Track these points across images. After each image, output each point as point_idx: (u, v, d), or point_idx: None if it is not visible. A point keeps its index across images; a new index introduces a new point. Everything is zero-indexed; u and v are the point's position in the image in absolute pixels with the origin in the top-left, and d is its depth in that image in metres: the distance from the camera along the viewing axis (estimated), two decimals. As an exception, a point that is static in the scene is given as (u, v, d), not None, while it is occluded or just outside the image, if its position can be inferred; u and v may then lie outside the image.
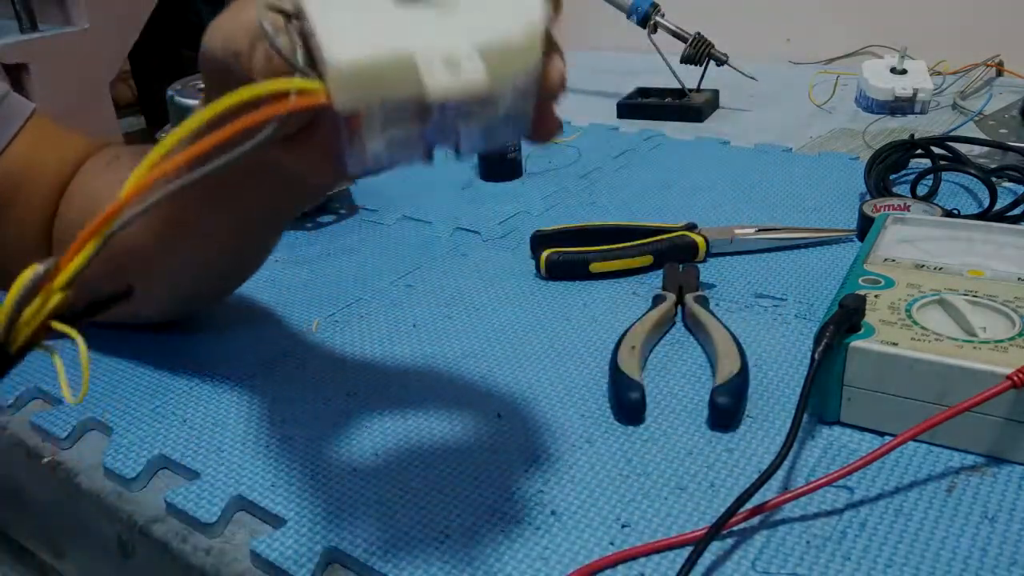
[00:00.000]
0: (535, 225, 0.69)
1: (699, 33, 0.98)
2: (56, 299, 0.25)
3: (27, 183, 0.51)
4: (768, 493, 0.39)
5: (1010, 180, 0.72)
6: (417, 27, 0.26)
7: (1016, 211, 0.64)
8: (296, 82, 0.26)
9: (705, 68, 0.99)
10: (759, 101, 1.05)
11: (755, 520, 0.38)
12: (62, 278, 0.25)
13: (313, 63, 0.27)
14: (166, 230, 0.45)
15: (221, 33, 0.32)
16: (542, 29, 0.27)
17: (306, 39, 0.27)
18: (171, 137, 0.26)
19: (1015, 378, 0.37)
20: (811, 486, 0.38)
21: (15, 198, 0.51)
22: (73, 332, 0.26)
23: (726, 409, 0.44)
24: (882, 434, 0.43)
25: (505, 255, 0.67)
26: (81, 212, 0.50)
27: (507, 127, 0.29)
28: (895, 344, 0.41)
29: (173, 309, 0.56)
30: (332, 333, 0.57)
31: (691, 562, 0.35)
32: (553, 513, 0.39)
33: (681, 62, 0.99)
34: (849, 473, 0.38)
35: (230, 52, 0.31)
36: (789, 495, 0.38)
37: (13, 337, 0.25)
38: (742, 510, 0.37)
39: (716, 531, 0.35)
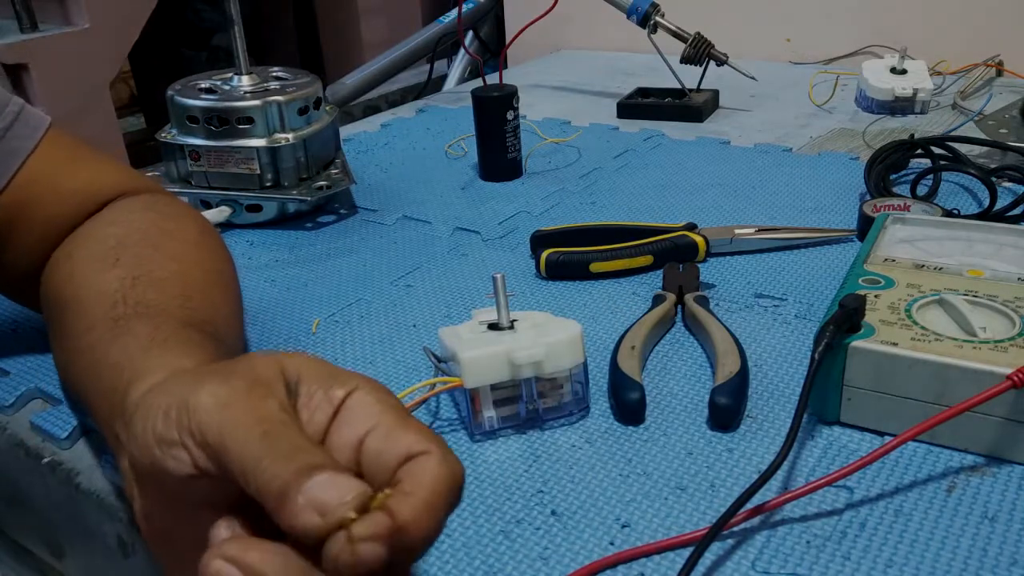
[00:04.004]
0: (535, 225, 0.69)
1: (699, 33, 0.98)
2: None
3: (38, 205, 0.49)
4: (768, 493, 0.39)
5: (1010, 180, 0.72)
6: (507, 341, 0.43)
7: (1016, 211, 0.64)
8: (449, 378, 0.45)
9: (705, 68, 0.99)
10: (759, 101, 1.05)
11: (755, 520, 0.38)
12: None
13: (446, 370, 0.47)
14: None
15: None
16: (581, 337, 0.44)
17: (440, 361, 0.48)
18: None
19: (1015, 378, 0.37)
20: (811, 486, 0.38)
21: (20, 219, 0.49)
22: None
23: (726, 409, 0.44)
24: (882, 434, 0.43)
25: (505, 255, 0.67)
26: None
27: (569, 402, 0.45)
28: (895, 344, 0.41)
29: None
30: (332, 333, 0.57)
31: (691, 563, 0.35)
32: (553, 513, 0.39)
33: (681, 62, 0.99)
34: (849, 473, 0.38)
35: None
36: (789, 495, 0.38)
37: None
38: (742, 510, 0.37)
39: (716, 532, 0.35)
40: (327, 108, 0.78)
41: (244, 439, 0.28)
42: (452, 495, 0.28)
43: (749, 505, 0.37)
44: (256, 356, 0.32)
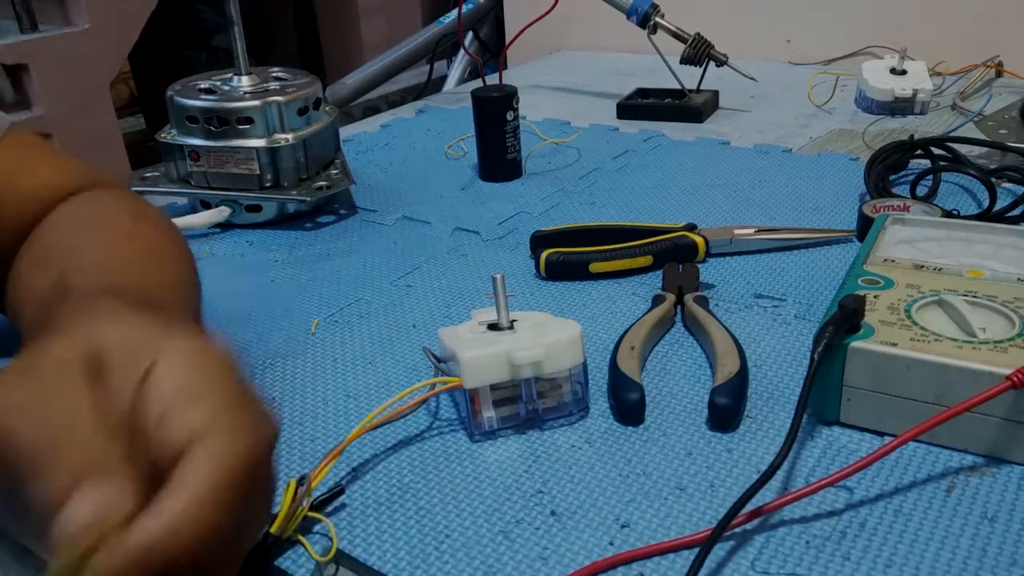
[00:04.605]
0: (535, 225, 0.69)
1: (699, 34, 0.98)
2: (308, 501, 0.38)
3: (1, 208, 0.49)
4: (768, 494, 0.39)
5: (1009, 181, 0.72)
6: (507, 342, 0.43)
7: (1015, 212, 0.64)
8: (449, 378, 0.44)
9: (705, 68, 0.99)
10: (759, 101, 1.05)
11: (755, 520, 0.38)
12: (312, 486, 0.39)
13: (446, 370, 0.47)
14: None
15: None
16: (581, 337, 0.44)
17: (440, 361, 0.48)
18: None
19: (1015, 378, 0.37)
20: (812, 487, 0.38)
21: None
22: (322, 517, 0.39)
23: (726, 409, 0.44)
24: (882, 434, 0.43)
25: (505, 255, 0.67)
26: (45, 275, 0.45)
27: (569, 403, 0.45)
28: (895, 344, 0.41)
29: None
30: (332, 333, 0.57)
31: (698, 564, 0.34)
32: (553, 513, 0.39)
33: (681, 63, 0.99)
34: (850, 474, 0.37)
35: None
36: (790, 496, 0.38)
37: (285, 529, 0.37)
38: (743, 512, 0.36)
39: (720, 533, 0.35)
40: (327, 108, 0.78)
41: (23, 451, 0.26)
42: (226, 495, 0.26)
43: (750, 506, 0.37)
44: (57, 341, 0.30)
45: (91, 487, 0.25)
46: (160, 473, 0.27)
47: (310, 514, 0.39)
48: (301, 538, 0.38)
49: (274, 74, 0.77)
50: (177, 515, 0.25)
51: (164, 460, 0.27)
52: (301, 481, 0.38)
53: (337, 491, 0.41)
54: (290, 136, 0.72)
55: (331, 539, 0.38)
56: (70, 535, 0.25)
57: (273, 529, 0.37)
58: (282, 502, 0.38)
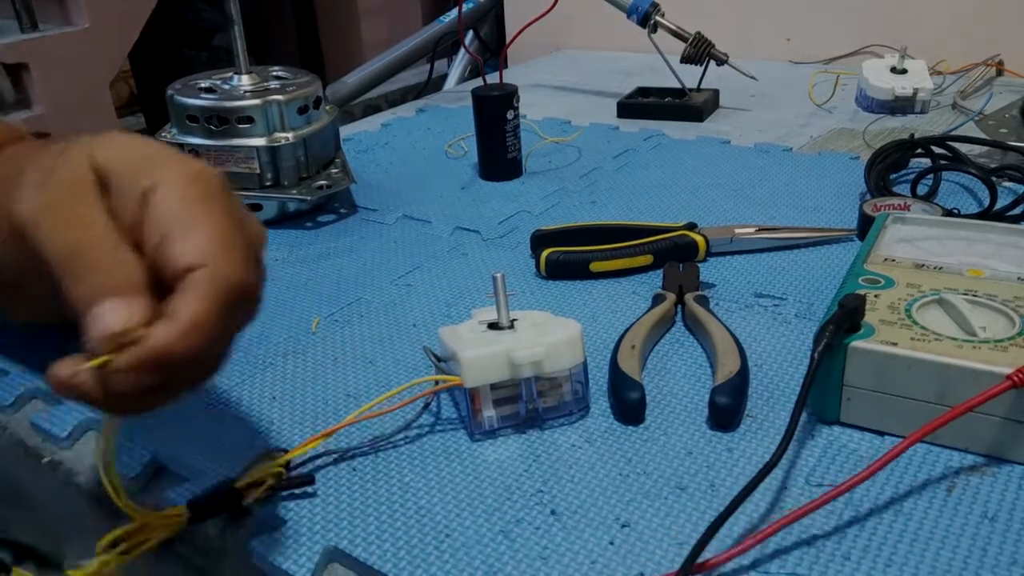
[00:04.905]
0: (535, 224, 0.69)
1: (699, 33, 0.98)
2: (277, 471, 0.40)
3: None
4: (769, 495, 0.39)
5: (1010, 180, 0.72)
6: (507, 341, 0.43)
7: (1016, 211, 0.64)
8: (449, 377, 0.45)
9: (705, 68, 0.99)
10: (759, 101, 1.05)
11: (755, 519, 0.38)
12: (286, 459, 0.41)
13: (446, 370, 0.46)
14: None
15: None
16: (581, 336, 0.44)
17: (440, 360, 0.48)
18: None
19: (1015, 378, 0.37)
20: (821, 500, 0.36)
21: None
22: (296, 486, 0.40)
23: (726, 409, 0.44)
24: (882, 434, 0.43)
25: (505, 254, 0.67)
26: None
27: (569, 402, 0.45)
28: (895, 344, 0.41)
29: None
30: (332, 332, 0.57)
31: (698, 549, 0.34)
32: (553, 513, 0.39)
33: (681, 62, 0.99)
34: (859, 483, 0.36)
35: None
36: (803, 509, 0.36)
37: (247, 493, 0.39)
38: (760, 531, 0.36)
39: (715, 530, 0.35)
40: (327, 107, 0.78)
41: (57, 252, 0.30)
42: (220, 313, 0.30)
43: (752, 511, 0.37)
44: (69, 151, 0.33)
45: (112, 301, 0.29)
46: (158, 281, 0.31)
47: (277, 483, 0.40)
48: (251, 502, 0.40)
49: (274, 73, 0.77)
50: (184, 328, 0.30)
51: (166, 277, 0.31)
52: (277, 450, 0.41)
53: (307, 479, 0.42)
54: (290, 135, 0.72)
55: (316, 530, 0.38)
56: (96, 340, 0.29)
57: (237, 484, 0.39)
58: (250, 464, 0.41)
